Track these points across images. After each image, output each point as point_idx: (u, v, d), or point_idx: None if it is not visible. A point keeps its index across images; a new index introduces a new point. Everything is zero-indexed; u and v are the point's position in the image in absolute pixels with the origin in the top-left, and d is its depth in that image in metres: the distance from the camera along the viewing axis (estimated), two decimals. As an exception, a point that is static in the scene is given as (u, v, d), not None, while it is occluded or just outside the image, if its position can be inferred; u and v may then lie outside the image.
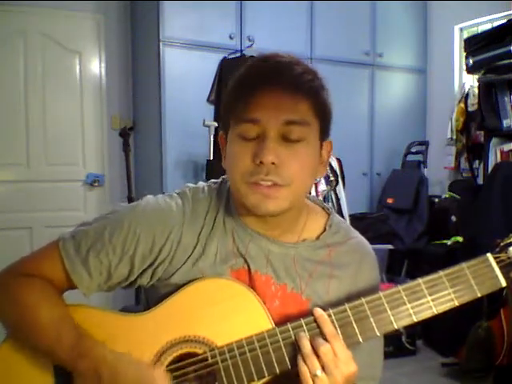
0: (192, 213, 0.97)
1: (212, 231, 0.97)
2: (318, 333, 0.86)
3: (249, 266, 0.95)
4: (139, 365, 0.87)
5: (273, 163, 0.86)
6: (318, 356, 0.83)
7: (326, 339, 0.85)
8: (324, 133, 0.94)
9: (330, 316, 0.87)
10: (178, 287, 0.93)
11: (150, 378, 0.86)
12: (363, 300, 0.88)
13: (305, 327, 0.87)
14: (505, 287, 0.85)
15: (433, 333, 3.24)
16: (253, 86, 0.89)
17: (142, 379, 0.86)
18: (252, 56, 3.33)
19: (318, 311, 0.88)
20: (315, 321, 0.87)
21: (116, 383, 0.85)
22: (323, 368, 0.83)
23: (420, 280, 0.88)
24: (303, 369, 0.83)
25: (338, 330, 0.87)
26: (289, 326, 0.88)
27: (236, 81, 0.93)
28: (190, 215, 0.96)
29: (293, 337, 0.87)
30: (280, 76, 0.88)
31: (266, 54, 0.95)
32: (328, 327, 0.86)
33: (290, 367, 0.86)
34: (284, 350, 0.87)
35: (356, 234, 1.05)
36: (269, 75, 0.89)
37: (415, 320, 0.87)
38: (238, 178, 0.90)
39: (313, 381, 0.83)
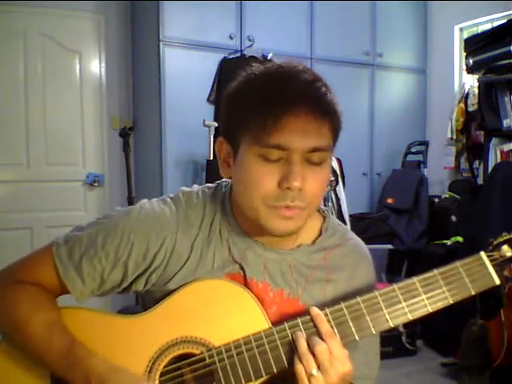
0: (186, 219, 0.96)
1: (208, 239, 0.96)
2: (315, 332, 0.86)
3: (244, 273, 0.95)
4: (131, 376, 0.86)
5: (299, 188, 0.86)
6: (314, 355, 0.83)
7: (322, 338, 0.85)
8: (335, 146, 0.94)
9: (326, 315, 0.88)
10: None
11: None
12: (359, 299, 0.88)
13: (301, 326, 0.88)
14: (498, 285, 0.86)
15: (433, 333, 3.23)
16: (277, 107, 0.83)
17: None
18: (252, 56, 3.36)
19: (315, 310, 0.88)
20: (312, 320, 0.87)
21: None
22: (319, 367, 0.83)
23: (415, 279, 0.89)
24: (299, 368, 0.84)
25: (335, 328, 0.87)
26: (286, 325, 0.88)
27: (253, 94, 0.87)
28: (183, 222, 0.96)
29: (290, 336, 0.87)
30: (306, 99, 0.84)
31: (284, 67, 0.90)
32: (324, 326, 0.86)
33: (287, 366, 0.87)
34: (281, 349, 0.87)
35: (352, 235, 1.05)
36: (295, 97, 0.84)
37: (410, 318, 0.88)
38: (259, 201, 0.87)
39: (308, 380, 0.83)
